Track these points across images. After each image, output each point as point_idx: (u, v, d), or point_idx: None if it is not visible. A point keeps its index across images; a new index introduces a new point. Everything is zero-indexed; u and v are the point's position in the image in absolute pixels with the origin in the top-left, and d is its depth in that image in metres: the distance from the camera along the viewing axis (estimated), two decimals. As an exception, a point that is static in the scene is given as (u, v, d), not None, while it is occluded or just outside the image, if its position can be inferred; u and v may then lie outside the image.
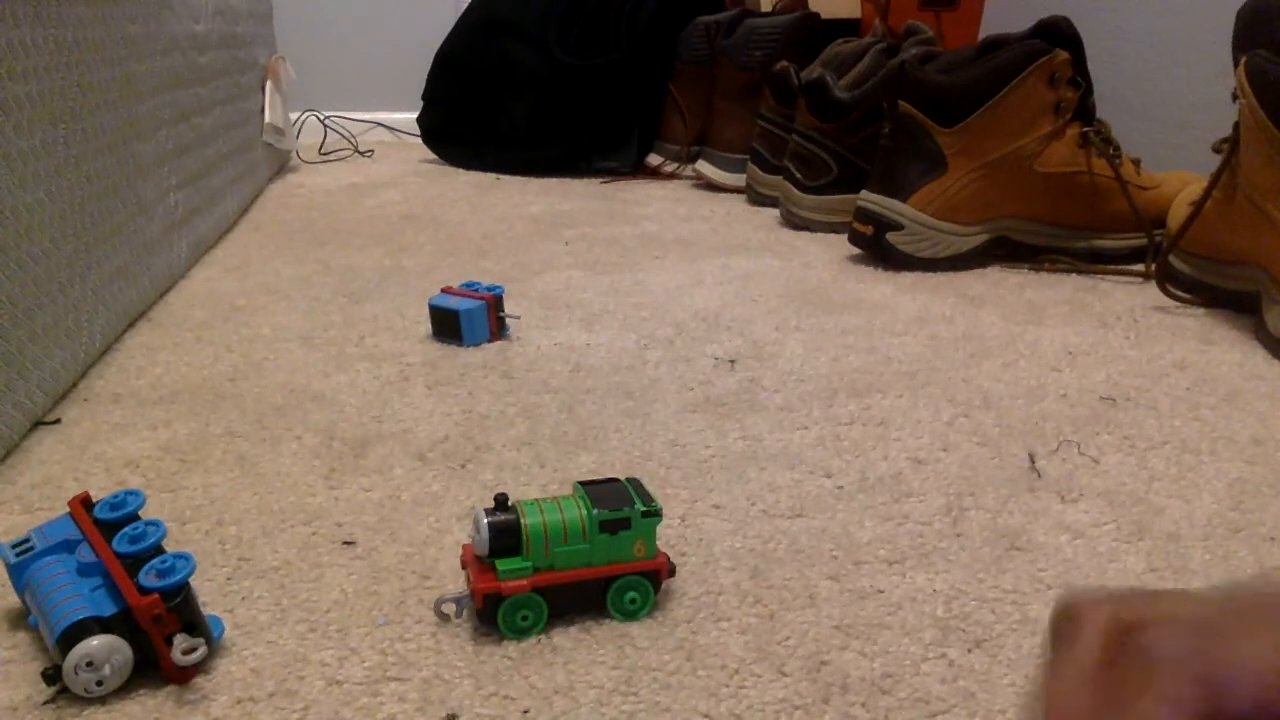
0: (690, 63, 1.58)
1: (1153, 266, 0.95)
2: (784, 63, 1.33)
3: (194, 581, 0.46)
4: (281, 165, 1.64)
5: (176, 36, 1.00)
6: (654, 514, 0.43)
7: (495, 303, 0.80)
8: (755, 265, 1.06)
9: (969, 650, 0.42)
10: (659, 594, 0.45)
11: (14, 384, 0.59)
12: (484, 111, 1.70)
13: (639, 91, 1.63)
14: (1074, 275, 1.03)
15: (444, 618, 0.44)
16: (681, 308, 0.90)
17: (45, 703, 0.39)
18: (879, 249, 1.04)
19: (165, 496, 0.54)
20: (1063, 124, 1.02)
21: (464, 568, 0.44)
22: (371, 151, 1.90)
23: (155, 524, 0.42)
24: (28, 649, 0.42)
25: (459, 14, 1.80)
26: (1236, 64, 0.83)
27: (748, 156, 1.43)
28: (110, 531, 0.42)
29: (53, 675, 0.38)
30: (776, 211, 1.34)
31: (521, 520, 0.42)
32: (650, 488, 0.56)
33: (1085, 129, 1.03)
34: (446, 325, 0.79)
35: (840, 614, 0.44)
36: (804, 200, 1.24)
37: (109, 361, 0.75)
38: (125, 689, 0.39)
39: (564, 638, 0.43)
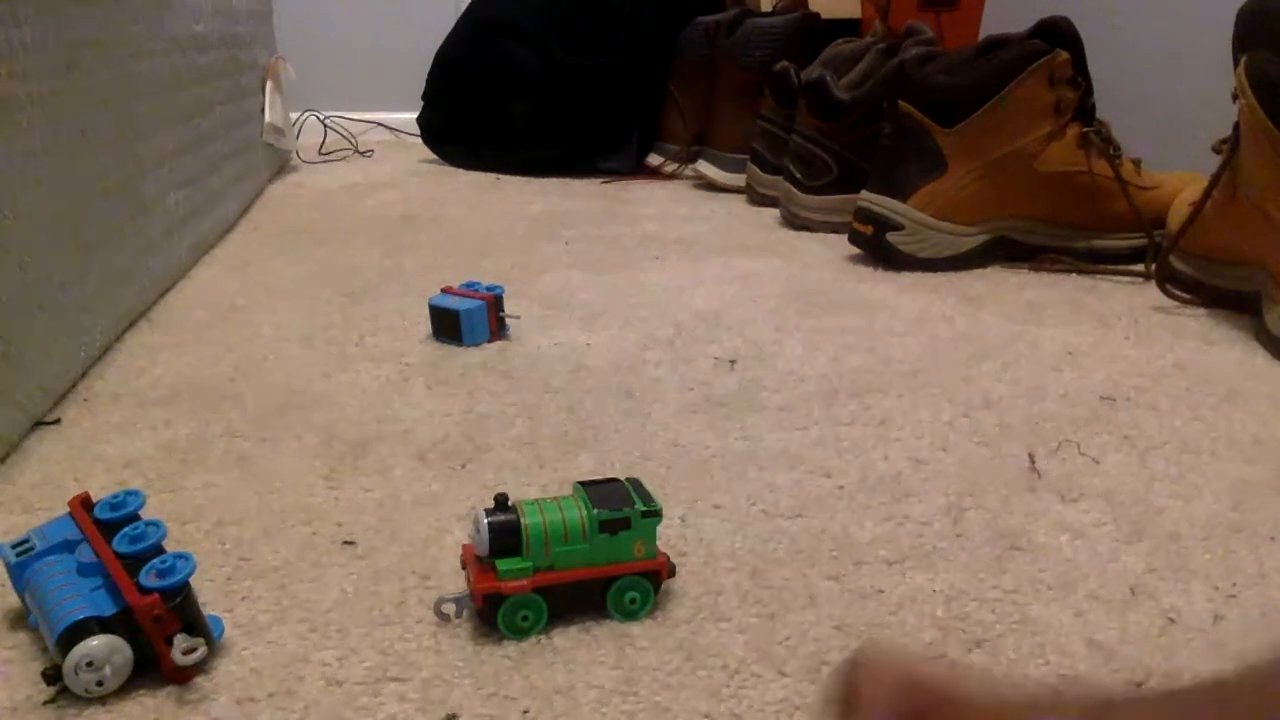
0: (690, 63, 1.58)
1: (1153, 266, 0.95)
2: (784, 63, 1.33)
3: (194, 581, 0.46)
4: (282, 165, 1.64)
5: (177, 36, 1.00)
6: (654, 514, 0.43)
7: (495, 303, 0.80)
8: (755, 265, 1.06)
9: (969, 650, 0.42)
10: (659, 594, 0.45)
11: (14, 384, 0.59)
12: (484, 112, 1.70)
13: (639, 92, 1.63)
14: (1074, 275, 1.03)
15: (444, 618, 0.44)
16: (682, 308, 0.90)
17: (45, 703, 0.39)
18: (879, 249, 1.04)
19: (165, 496, 0.54)
20: (1063, 124, 1.02)
21: (464, 568, 0.44)
22: (371, 151, 1.90)
23: (155, 524, 0.42)
24: (28, 649, 0.42)
25: (459, 14, 1.80)
26: (1236, 64, 0.83)
27: (748, 156, 1.43)
28: (110, 531, 0.42)
29: (53, 675, 0.38)
30: (777, 211, 1.34)
31: (521, 520, 0.42)
32: (650, 488, 0.56)
33: (1085, 129, 1.03)
34: (446, 325, 0.79)
35: (840, 614, 0.44)
36: (804, 200, 1.24)
37: (109, 361, 0.75)
38: (125, 689, 0.39)
39: (564, 638, 0.43)
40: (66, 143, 0.68)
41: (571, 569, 0.43)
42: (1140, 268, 1.01)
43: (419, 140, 1.84)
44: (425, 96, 1.76)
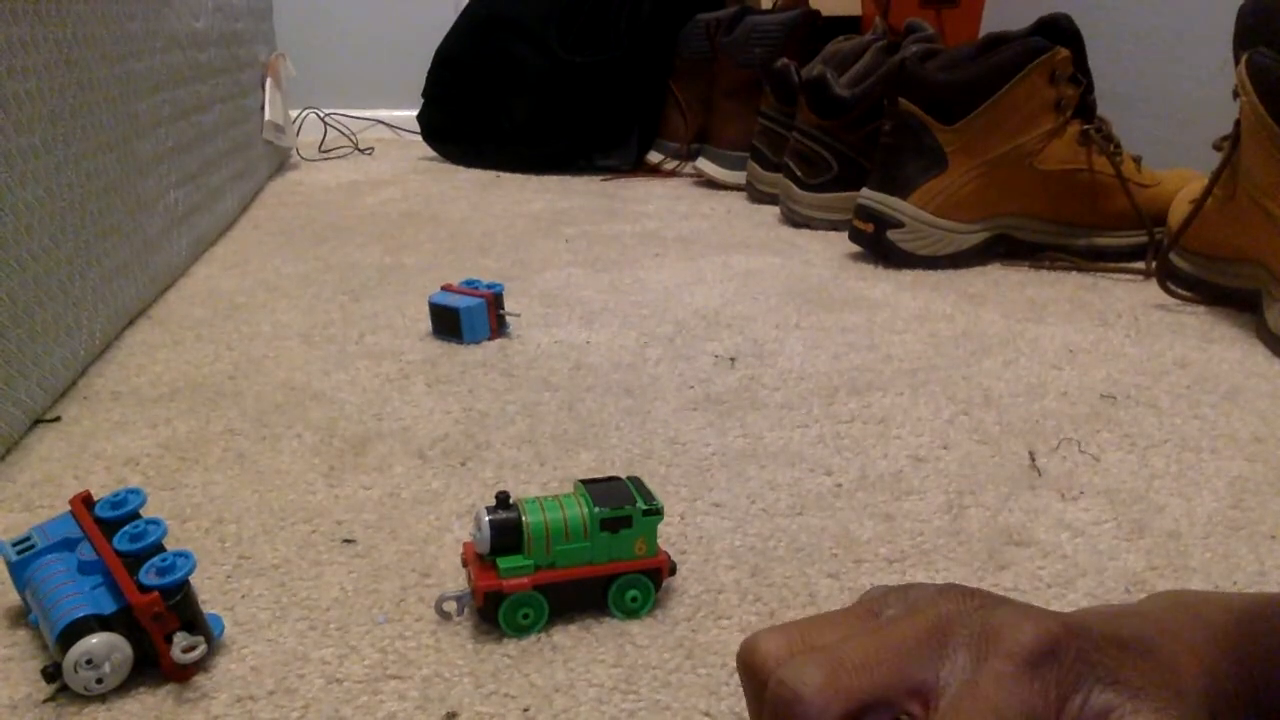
0: (691, 60, 1.58)
1: (1153, 264, 0.95)
2: (784, 60, 1.33)
3: (194, 579, 0.46)
4: (281, 163, 1.64)
5: (176, 34, 1.00)
6: (655, 512, 0.43)
7: (495, 300, 0.80)
8: (755, 263, 1.06)
9: (969, 648, 0.42)
10: (659, 592, 0.45)
11: (14, 381, 0.59)
12: (484, 109, 1.70)
13: (639, 89, 1.63)
14: (1074, 273, 1.03)
15: (444, 616, 0.44)
16: (682, 305, 0.90)
17: (45, 700, 0.39)
18: (879, 246, 1.04)
19: (165, 494, 0.54)
20: (1063, 121, 1.02)
21: (465, 565, 0.44)
22: (371, 149, 1.90)
23: (155, 522, 0.42)
24: (28, 647, 0.42)
25: (459, 11, 1.80)
26: (1238, 61, 0.83)
27: (748, 154, 1.43)
28: (111, 529, 0.42)
29: (53, 673, 0.38)
30: (777, 209, 1.34)
31: (523, 518, 0.42)
32: (651, 486, 0.56)
33: (1086, 126, 1.03)
34: (446, 323, 0.79)
35: (840, 612, 0.44)
36: (804, 198, 1.24)
37: (109, 359, 0.75)
38: (125, 687, 0.39)
39: (564, 636, 0.43)
40: (65, 140, 0.68)
41: (572, 567, 0.43)
42: (1141, 265, 1.01)
43: (419, 137, 1.84)
44: (425, 93, 1.76)
